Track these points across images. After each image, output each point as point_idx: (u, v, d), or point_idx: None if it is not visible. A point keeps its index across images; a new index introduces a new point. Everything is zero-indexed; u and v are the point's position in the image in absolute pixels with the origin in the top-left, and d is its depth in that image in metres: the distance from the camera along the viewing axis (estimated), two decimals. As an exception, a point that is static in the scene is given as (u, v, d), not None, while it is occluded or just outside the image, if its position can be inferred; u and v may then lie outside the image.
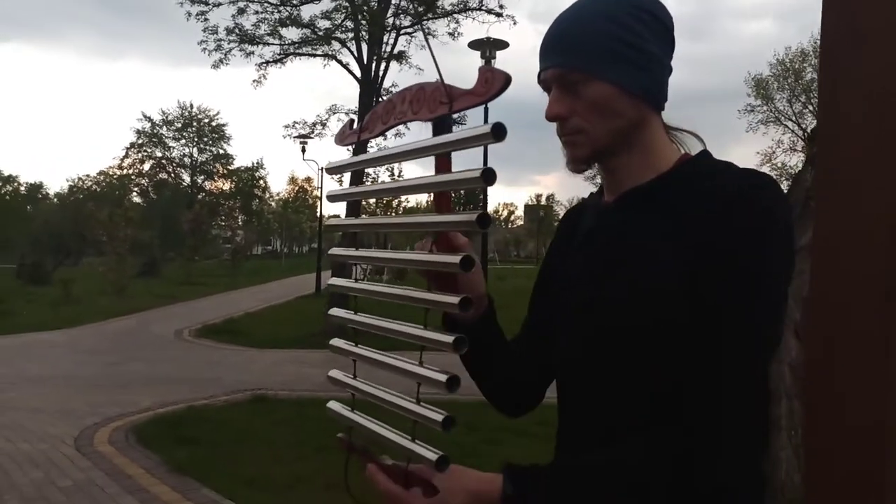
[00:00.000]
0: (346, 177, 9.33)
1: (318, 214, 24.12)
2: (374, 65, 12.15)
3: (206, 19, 12.06)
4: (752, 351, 0.81)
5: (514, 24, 12.09)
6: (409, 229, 0.87)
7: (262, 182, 57.65)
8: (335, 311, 1.04)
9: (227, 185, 54.98)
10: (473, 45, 10.52)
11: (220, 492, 4.37)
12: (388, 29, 11.90)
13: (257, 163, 57.05)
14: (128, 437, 5.58)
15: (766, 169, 31.48)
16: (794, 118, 35.66)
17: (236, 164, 54.90)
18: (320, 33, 11.97)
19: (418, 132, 1.06)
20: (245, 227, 43.22)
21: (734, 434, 0.81)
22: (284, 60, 12.66)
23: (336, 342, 1.03)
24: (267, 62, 12.66)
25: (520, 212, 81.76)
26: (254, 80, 13.00)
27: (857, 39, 1.51)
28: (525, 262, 55.81)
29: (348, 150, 1.15)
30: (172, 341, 11.62)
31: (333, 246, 1.13)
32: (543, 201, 69.51)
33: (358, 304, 1.00)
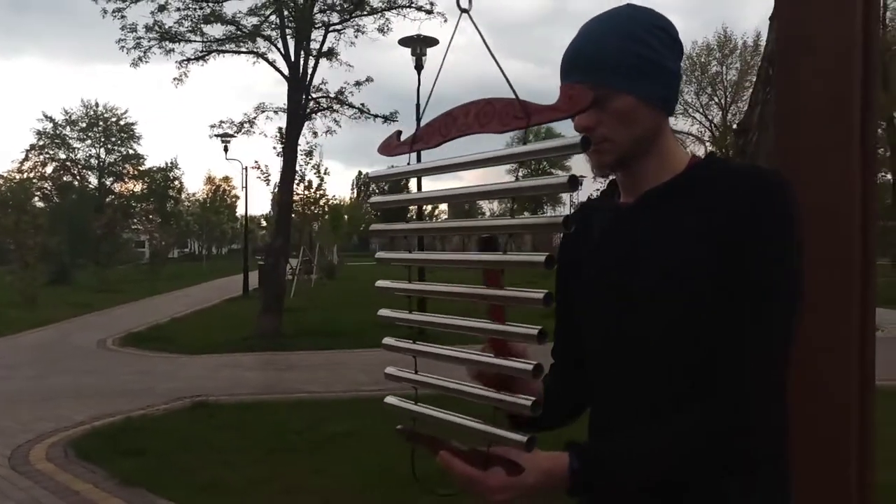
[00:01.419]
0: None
1: (244, 214, 23.48)
2: (302, 62, 11.99)
3: (123, 16, 11.55)
4: (784, 328, 0.93)
5: (445, 21, 12.21)
6: (488, 232, 0.92)
7: (177, 182, 55.59)
8: (385, 312, 1.09)
9: (138, 187, 52.65)
10: (404, 42, 10.58)
11: (177, 501, 4.27)
12: (317, 26, 11.78)
13: (171, 163, 54.90)
14: (66, 452, 5.35)
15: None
16: (701, 110, 37.62)
17: (149, 164, 52.71)
18: (245, 30, 11.69)
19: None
20: (161, 230, 41.53)
21: (770, 404, 0.93)
22: (207, 58, 12.31)
23: (388, 341, 1.08)
24: (188, 60, 12.27)
25: (444, 205, 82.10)
26: (174, 78, 12.56)
27: (808, 48, 1.68)
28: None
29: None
30: (95, 351, 11.11)
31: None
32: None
33: (413, 303, 1.06)
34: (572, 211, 1.29)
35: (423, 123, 1.05)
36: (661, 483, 0.96)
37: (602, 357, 1.09)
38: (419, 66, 11.08)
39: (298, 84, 11.96)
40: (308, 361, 9.79)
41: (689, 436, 0.93)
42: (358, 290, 21.97)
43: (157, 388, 7.89)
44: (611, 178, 1.13)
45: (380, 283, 1.12)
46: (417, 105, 10.93)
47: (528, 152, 0.84)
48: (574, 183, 0.79)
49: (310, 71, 12.17)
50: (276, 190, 12.97)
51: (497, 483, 0.90)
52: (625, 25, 1.01)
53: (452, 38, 1.03)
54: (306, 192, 22.33)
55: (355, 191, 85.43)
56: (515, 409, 0.87)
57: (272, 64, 12.20)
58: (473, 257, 0.94)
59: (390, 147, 1.10)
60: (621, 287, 1.04)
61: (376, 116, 12.91)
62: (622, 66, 0.99)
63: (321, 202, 24.75)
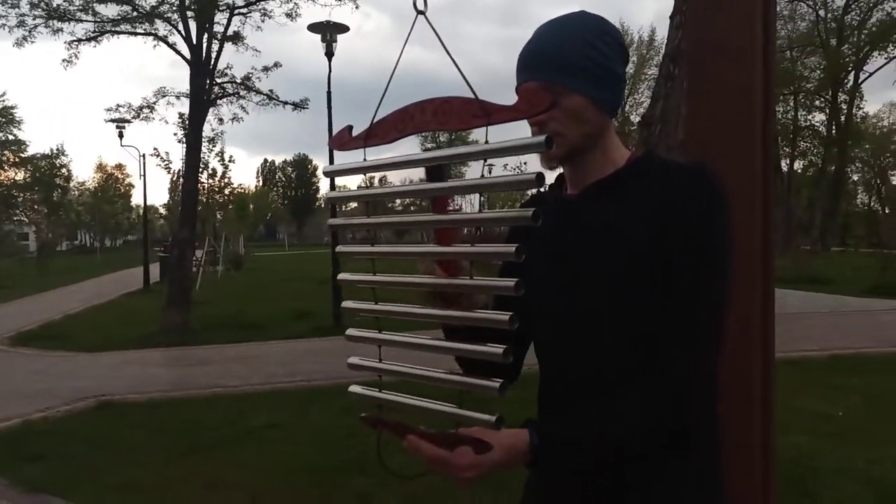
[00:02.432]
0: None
1: (143, 204, 22.31)
2: (205, 46, 11.51)
3: (4, -11, 10.67)
4: (715, 305, 1.03)
5: (357, 7, 12.04)
6: (455, 225, 0.96)
7: (64, 170, 52.12)
8: (348, 304, 1.12)
9: (20, 175, 48.96)
10: (313, 28, 10.36)
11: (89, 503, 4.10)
12: (220, 8, 11.33)
13: (58, 149, 51.36)
14: (-42, 462, 4.99)
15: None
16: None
17: (32, 150, 49.10)
18: (142, 11, 11.08)
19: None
20: (48, 221, 38.75)
21: (703, 377, 1.03)
22: (100, 39, 11.59)
23: (352, 332, 1.11)
24: (79, 40, 11.51)
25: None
26: (64, 60, 11.76)
27: (715, 50, 1.83)
28: (361, 244, 55.28)
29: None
30: (-17, 352, 10.33)
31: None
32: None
33: (377, 294, 1.09)
34: (523, 202, 1.36)
35: (376, 118, 1.08)
36: (606, 456, 1.04)
37: (553, 339, 1.16)
38: (329, 53, 10.88)
39: (202, 68, 11.49)
40: (220, 356, 9.51)
41: (632, 412, 1.01)
42: (266, 281, 21.45)
43: (57, 389, 7.45)
44: (558, 172, 1.21)
45: (342, 276, 1.15)
46: (328, 93, 10.79)
47: (494, 150, 0.89)
48: (541, 180, 0.85)
49: (213, 55, 11.74)
50: (176, 178, 12.43)
51: (465, 461, 0.95)
52: (579, 30, 1.09)
53: (408, 39, 1.07)
54: (210, 181, 21.54)
55: (261, 179, 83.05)
56: (487, 357, 0.90)
57: (172, 46, 11.66)
58: (438, 249, 0.99)
59: (342, 142, 1.13)
60: (570, 272, 1.11)
61: (286, 103, 12.62)
62: (576, 67, 1.07)
63: (226, 191, 23.94)
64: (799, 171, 37.30)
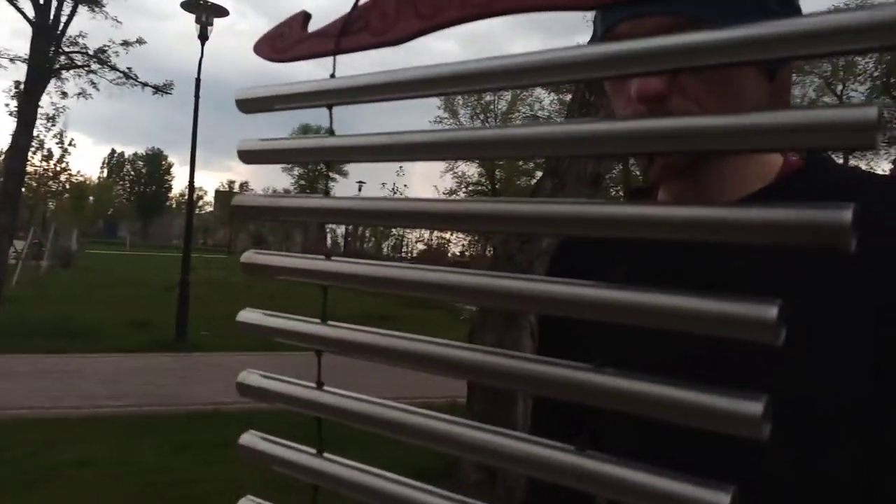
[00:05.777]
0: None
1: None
2: (54, 5, 10.01)
3: None
4: None
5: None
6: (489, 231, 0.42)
7: None
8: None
9: None
10: (187, 6, 9.35)
11: None
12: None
13: None
14: None
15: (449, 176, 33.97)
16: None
17: None
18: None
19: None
20: None
21: None
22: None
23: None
24: None
25: (209, 197, 78.97)
26: None
27: None
28: (214, 251, 52.31)
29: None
30: None
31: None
32: (236, 188, 67.56)
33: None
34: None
35: None
36: None
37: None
38: (203, 36, 9.84)
39: (46, 31, 9.97)
40: (31, 367, 8.08)
41: None
42: (100, 283, 19.32)
43: None
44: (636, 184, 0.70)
45: (244, 314, 0.56)
46: (198, 79, 9.73)
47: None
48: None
49: (63, 18, 10.24)
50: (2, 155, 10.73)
51: None
52: None
53: None
54: (44, 164, 19.17)
55: (106, 170, 77.43)
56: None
57: (12, 3, 10.01)
58: (443, 276, 0.42)
59: (286, 44, 0.56)
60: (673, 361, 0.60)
61: (145, 85, 11.25)
62: None
63: (62, 178, 21.43)
64: None
